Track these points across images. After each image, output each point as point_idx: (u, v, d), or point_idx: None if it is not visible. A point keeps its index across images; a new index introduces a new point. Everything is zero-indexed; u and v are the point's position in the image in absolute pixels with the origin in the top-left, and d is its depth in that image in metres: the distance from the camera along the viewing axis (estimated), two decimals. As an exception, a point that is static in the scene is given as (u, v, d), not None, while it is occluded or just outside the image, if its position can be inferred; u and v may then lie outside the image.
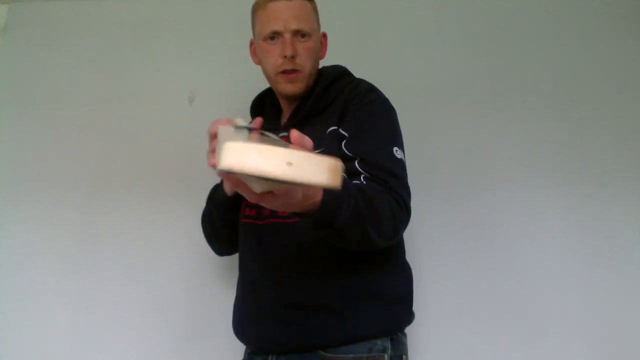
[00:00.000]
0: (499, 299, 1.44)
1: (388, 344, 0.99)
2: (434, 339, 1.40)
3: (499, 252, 1.48)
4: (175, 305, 1.50)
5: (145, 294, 1.51)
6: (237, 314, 1.15)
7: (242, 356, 1.16)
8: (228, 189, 1.06)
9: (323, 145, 1.03)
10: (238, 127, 0.76)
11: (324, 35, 1.21)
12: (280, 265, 1.03)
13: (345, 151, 1.01)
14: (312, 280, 1.00)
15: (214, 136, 0.81)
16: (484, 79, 1.65)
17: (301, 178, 0.56)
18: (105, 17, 1.81)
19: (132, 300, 1.51)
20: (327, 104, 1.12)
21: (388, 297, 1.02)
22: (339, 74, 1.18)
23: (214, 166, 0.91)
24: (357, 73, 1.22)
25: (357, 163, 0.99)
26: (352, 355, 0.97)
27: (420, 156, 1.30)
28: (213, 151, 0.90)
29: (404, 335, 1.07)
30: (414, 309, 1.10)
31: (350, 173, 0.98)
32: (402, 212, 0.95)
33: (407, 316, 1.07)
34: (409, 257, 1.13)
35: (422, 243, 1.43)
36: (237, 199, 1.02)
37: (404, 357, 1.02)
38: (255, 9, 1.15)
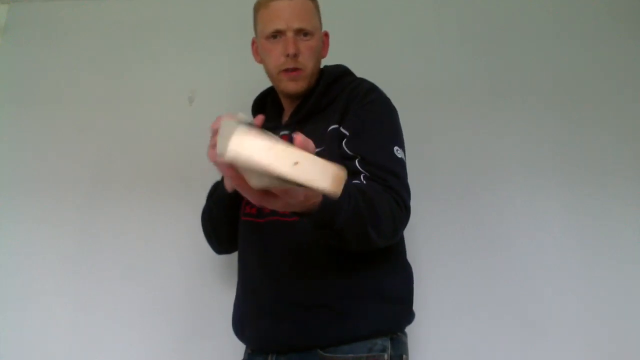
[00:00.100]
0: (499, 299, 1.44)
1: (388, 344, 0.99)
2: (434, 339, 1.40)
3: (499, 252, 1.48)
4: (175, 305, 1.50)
5: (145, 294, 1.51)
6: (236, 313, 1.15)
7: (242, 356, 1.16)
8: (228, 185, 1.06)
9: (324, 144, 1.03)
10: (240, 123, 0.76)
11: (326, 34, 1.21)
12: (281, 263, 1.03)
13: (346, 150, 1.01)
14: (313, 278, 1.00)
15: (216, 132, 0.81)
16: (484, 79, 1.65)
17: (304, 180, 0.56)
18: (105, 17, 1.81)
19: (132, 300, 1.51)
20: (328, 103, 1.12)
21: (388, 297, 1.02)
22: (341, 73, 1.18)
23: (214, 161, 0.92)
24: (357, 73, 1.22)
25: (358, 162, 0.99)
26: (352, 355, 0.97)
27: (420, 156, 1.30)
28: (214, 146, 0.90)
29: (404, 334, 1.07)
30: (414, 308, 1.10)
31: (350, 172, 0.98)
32: (401, 212, 0.95)
33: (407, 316, 1.07)
34: (409, 257, 1.13)
35: (422, 243, 1.43)
36: (238, 196, 1.01)
37: (404, 356, 1.02)
38: (257, 8, 1.15)
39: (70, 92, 1.74)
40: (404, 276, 1.09)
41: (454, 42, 1.69)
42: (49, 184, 1.63)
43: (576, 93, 1.61)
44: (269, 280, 1.04)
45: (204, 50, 1.75)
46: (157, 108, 1.70)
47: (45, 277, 1.54)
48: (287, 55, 1.08)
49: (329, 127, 1.06)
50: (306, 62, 1.11)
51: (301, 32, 1.10)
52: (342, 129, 1.04)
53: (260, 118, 0.90)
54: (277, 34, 1.10)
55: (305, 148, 0.65)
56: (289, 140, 0.67)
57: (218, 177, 1.14)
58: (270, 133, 0.57)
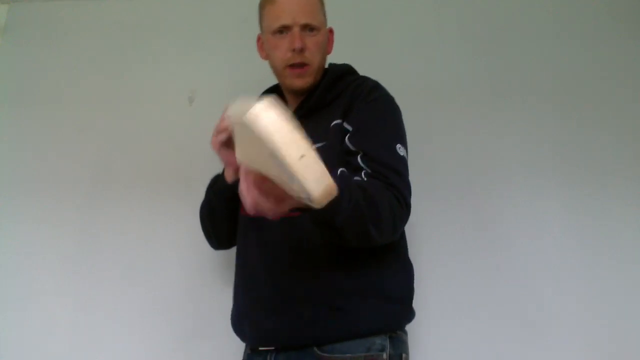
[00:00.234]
0: (499, 299, 1.44)
1: (387, 343, 0.99)
2: (434, 339, 1.40)
3: (499, 252, 1.48)
4: (175, 305, 1.50)
5: (145, 294, 1.51)
6: (235, 308, 1.14)
7: (241, 356, 1.16)
8: (229, 176, 1.07)
9: (327, 139, 1.03)
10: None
11: (331, 31, 1.22)
12: (280, 258, 1.03)
13: (349, 145, 1.01)
14: (312, 274, 1.00)
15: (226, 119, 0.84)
16: (484, 79, 1.65)
17: (300, 175, 0.55)
18: (105, 17, 1.81)
19: (132, 300, 1.51)
20: (332, 98, 1.12)
21: (388, 294, 1.02)
22: (346, 71, 1.19)
23: (217, 148, 0.94)
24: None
25: (360, 158, 0.99)
26: (350, 355, 0.96)
27: (420, 156, 1.29)
28: (219, 133, 0.93)
29: (405, 333, 1.06)
30: (415, 308, 1.10)
31: (352, 167, 0.98)
32: (402, 210, 0.95)
33: (407, 314, 1.07)
34: (409, 256, 1.13)
35: (422, 243, 1.43)
36: (237, 187, 1.01)
37: (403, 355, 1.02)
38: (263, 4, 1.16)
39: (70, 92, 1.74)
40: (404, 274, 1.09)
41: (454, 42, 1.69)
42: (49, 184, 1.63)
43: (576, 93, 1.61)
44: (268, 275, 1.04)
45: (204, 50, 1.75)
46: (157, 108, 1.70)
47: (45, 277, 1.54)
48: (294, 50, 1.09)
49: (333, 122, 1.06)
50: (312, 57, 1.11)
51: (307, 28, 1.11)
52: (345, 124, 1.05)
53: None
54: (283, 30, 1.10)
55: None
56: None
57: (219, 170, 1.14)
58: (294, 119, 0.57)
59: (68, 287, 1.53)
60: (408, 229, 1.11)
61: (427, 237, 1.47)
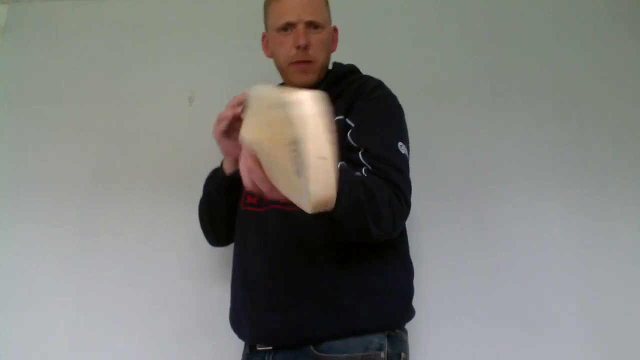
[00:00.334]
0: (499, 299, 1.44)
1: (385, 342, 0.98)
2: (434, 338, 1.40)
3: (499, 252, 1.48)
4: (175, 305, 1.50)
5: (145, 294, 1.51)
6: (233, 303, 1.13)
7: (241, 357, 1.16)
8: (228, 167, 1.08)
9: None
10: None
11: (335, 29, 1.23)
12: (280, 252, 1.03)
13: (351, 141, 1.02)
14: (311, 270, 1.00)
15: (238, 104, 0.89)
16: (484, 79, 1.65)
17: (312, 173, 0.55)
18: (105, 17, 1.81)
19: (132, 300, 1.51)
20: (335, 96, 1.12)
21: (387, 292, 1.02)
22: (350, 70, 1.20)
23: (218, 137, 0.99)
24: (357, 73, 1.22)
25: (361, 154, 0.99)
26: (347, 354, 0.96)
27: (420, 156, 1.29)
28: (220, 122, 0.97)
29: (404, 332, 1.06)
30: (415, 307, 1.10)
31: (353, 163, 0.98)
32: (402, 207, 0.95)
33: (407, 312, 1.07)
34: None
35: (422, 243, 1.43)
36: (237, 179, 1.02)
37: (402, 354, 1.01)
38: (268, 2, 1.17)
39: (70, 92, 1.74)
40: (404, 272, 1.09)
41: (454, 42, 1.69)
42: (49, 184, 1.63)
43: (576, 93, 1.61)
44: (267, 269, 1.04)
45: (204, 50, 1.75)
46: (157, 108, 1.70)
47: (45, 277, 1.54)
48: (298, 47, 1.09)
49: (335, 118, 1.06)
50: (317, 55, 1.12)
51: (312, 25, 1.11)
52: (347, 120, 1.05)
53: None
54: (288, 27, 1.11)
55: None
56: None
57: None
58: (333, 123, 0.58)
59: (68, 287, 1.53)
60: (408, 229, 1.11)
61: (427, 237, 1.47)
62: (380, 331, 0.99)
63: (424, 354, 1.37)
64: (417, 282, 1.11)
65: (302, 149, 0.55)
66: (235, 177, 1.02)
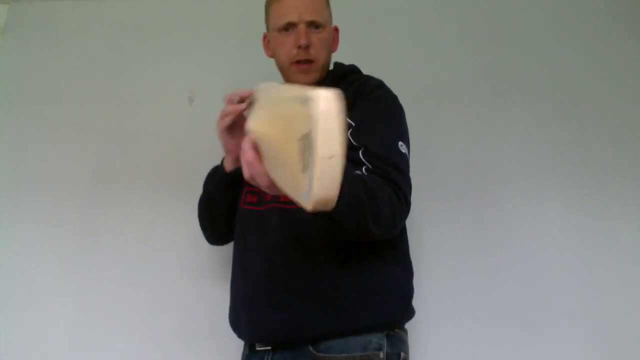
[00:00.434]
0: (499, 298, 1.44)
1: (384, 341, 0.98)
2: (434, 338, 1.40)
3: (499, 252, 1.48)
4: (175, 305, 1.50)
5: (145, 294, 1.51)
6: (233, 302, 1.13)
7: (241, 357, 1.16)
8: (228, 164, 1.08)
9: None
10: None
11: (336, 29, 1.23)
12: (279, 250, 1.03)
13: (351, 140, 1.01)
14: (311, 267, 1.00)
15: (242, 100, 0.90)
16: (484, 79, 1.65)
17: (319, 170, 0.55)
18: (105, 17, 1.81)
19: (132, 300, 1.51)
20: None
21: (387, 292, 1.02)
22: (351, 70, 1.20)
23: (221, 132, 1.00)
24: (357, 73, 1.22)
25: (362, 153, 0.99)
26: (346, 354, 0.95)
27: (420, 156, 1.30)
28: (223, 117, 0.98)
29: (404, 332, 1.06)
30: (415, 307, 1.10)
31: (353, 162, 0.98)
32: (401, 207, 0.95)
33: (407, 312, 1.07)
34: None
35: (422, 243, 1.43)
36: (237, 176, 1.01)
37: (402, 354, 1.01)
38: (269, 2, 1.17)
39: (70, 92, 1.74)
40: (404, 271, 1.09)
41: (454, 42, 1.69)
42: (49, 184, 1.63)
43: (576, 93, 1.61)
44: (267, 268, 1.03)
45: (204, 50, 1.75)
46: (157, 108, 1.70)
47: (45, 277, 1.54)
48: (299, 47, 1.10)
49: None
50: (318, 54, 1.12)
51: (313, 25, 1.12)
52: (348, 119, 1.05)
53: None
54: (289, 27, 1.11)
55: None
56: None
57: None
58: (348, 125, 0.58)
59: (68, 287, 1.53)
60: (408, 228, 1.11)
61: (427, 237, 1.47)
62: (379, 331, 0.99)
63: (424, 354, 1.37)
64: (417, 282, 1.11)
65: (313, 145, 0.54)
66: (236, 174, 1.02)
